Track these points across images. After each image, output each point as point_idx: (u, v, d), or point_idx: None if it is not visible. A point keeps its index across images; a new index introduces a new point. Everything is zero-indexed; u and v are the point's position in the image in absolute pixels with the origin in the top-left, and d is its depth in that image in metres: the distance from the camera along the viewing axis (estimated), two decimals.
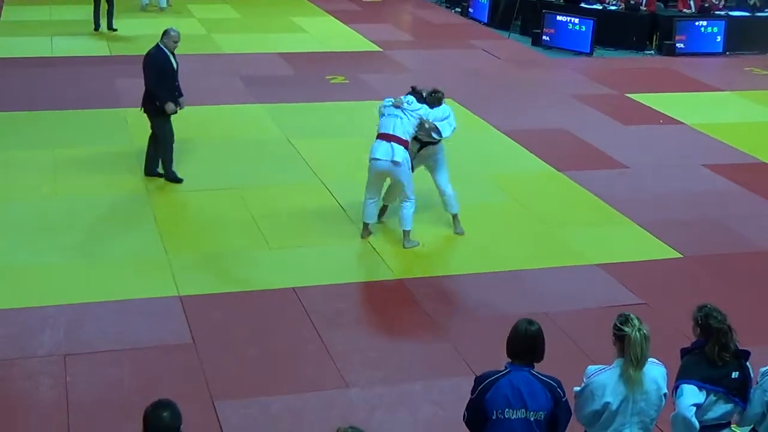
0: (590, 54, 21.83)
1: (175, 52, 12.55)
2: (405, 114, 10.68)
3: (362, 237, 11.16)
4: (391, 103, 10.82)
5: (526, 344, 5.71)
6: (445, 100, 11.32)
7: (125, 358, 8.49)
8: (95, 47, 20.36)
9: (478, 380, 5.74)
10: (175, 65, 12.52)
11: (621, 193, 12.94)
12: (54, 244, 10.75)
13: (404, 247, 10.95)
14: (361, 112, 16.19)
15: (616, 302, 9.73)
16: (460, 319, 9.47)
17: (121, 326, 9.02)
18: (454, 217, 11.43)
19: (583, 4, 23.14)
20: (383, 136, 10.68)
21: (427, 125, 10.79)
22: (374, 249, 10.88)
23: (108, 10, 21.90)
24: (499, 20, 24.66)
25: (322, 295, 9.80)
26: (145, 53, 12.67)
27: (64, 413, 7.65)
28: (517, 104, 17.26)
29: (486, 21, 25.11)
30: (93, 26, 21.82)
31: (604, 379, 5.81)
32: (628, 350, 5.72)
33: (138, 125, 14.18)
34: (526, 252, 11.07)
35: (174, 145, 12.69)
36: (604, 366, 5.90)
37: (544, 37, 22.52)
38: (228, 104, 16.33)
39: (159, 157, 12.72)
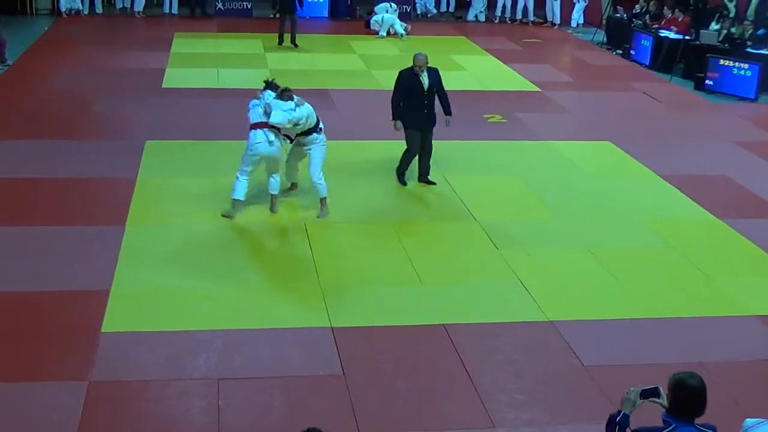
0: (755, 100, 21.28)
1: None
2: (262, 104, 12.46)
3: (231, 217, 12.43)
4: (253, 101, 12.61)
5: (690, 399, 5.59)
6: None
7: (276, 385, 8.65)
8: (258, 81, 20.74)
9: None
10: (425, 84, 13.79)
11: None
12: (211, 269, 11.06)
13: (273, 211, 12.68)
14: (517, 151, 16.16)
15: None
16: (610, 365, 9.33)
17: (274, 354, 9.21)
18: (322, 201, 12.71)
19: (749, 49, 22.63)
20: (256, 125, 12.38)
21: (267, 109, 12.35)
22: (526, 289, 10.82)
23: (291, 27, 24.49)
24: (662, 63, 24.32)
25: (472, 333, 9.80)
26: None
27: None
28: (677, 149, 16.94)
29: (648, 63, 24.79)
30: (277, 41, 24.84)
31: None
32: None
33: None
34: (682, 299, 10.84)
35: (413, 157, 14.09)
36: (764, 420, 5.73)
37: (707, 82, 22.07)
38: (387, 140, 16.50)
39: (427, 166, 14.21)
